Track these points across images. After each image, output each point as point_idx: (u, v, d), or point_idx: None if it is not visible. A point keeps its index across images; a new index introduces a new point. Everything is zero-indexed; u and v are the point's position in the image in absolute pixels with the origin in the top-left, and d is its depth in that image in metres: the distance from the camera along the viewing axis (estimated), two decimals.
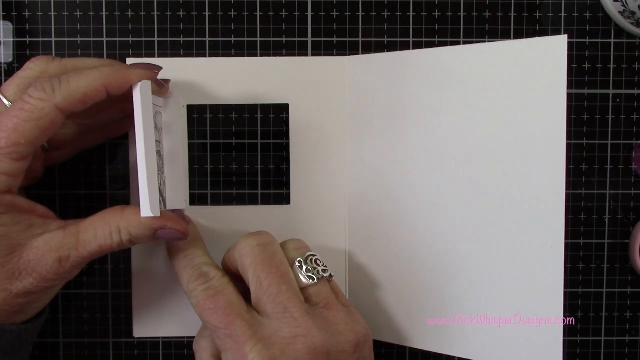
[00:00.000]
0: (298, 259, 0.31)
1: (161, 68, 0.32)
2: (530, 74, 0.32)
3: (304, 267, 0.31)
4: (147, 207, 0.29)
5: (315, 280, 0.31)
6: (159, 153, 0.32)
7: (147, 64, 0.32)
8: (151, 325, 0.37)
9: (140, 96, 0.29)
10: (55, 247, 0.29)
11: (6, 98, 0.30)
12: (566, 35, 0.31)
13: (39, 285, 0.29)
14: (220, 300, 0.29)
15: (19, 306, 0.30)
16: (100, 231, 0.29)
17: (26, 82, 0.30)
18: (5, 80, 0.36)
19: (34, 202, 0.31)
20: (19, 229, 0.29)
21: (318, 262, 0.31)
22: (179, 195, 0.35)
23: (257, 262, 0.30)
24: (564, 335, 0.37)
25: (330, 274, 0.32)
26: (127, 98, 0.30)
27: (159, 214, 0.29)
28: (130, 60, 0.35)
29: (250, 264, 0.30)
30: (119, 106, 0.33)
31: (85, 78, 0.28)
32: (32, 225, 0.29)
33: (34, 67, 0.31)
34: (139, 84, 0.29)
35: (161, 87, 0.32)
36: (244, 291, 0.31)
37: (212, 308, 0.29)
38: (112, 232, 0.29)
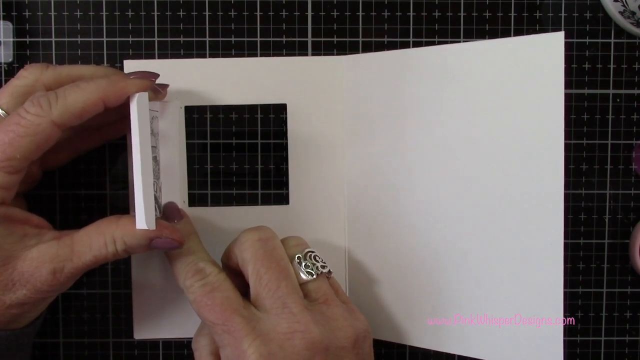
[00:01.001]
0: (297, 255, 0.31)
1: (158, 75, 0.32)
2: (528, 71, 0.32)
3: (303, 263, 0.31)
4: (142, 220, 0.29)
5: (315, 276, 0.31)
6: (155, 159, 0.32)
7: (144, 72, 0.32)
8: (151, 327, 0.37)
9: (137, 109, 0.29)
10: (49, 258, 0.29)
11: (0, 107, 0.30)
12: (563, 32, 0.31)
13: (33, 296, 0.29)
14: (217, 296, 0.29)
15: (12, 316, 0.30)
16: (95, 241, 0.29)
17: (20, 91, 0.30)
18: (5, 81, 0.36)
19: (29, 212, 0.31)
20: (13, 239, 0.29)
21: (317, 258, 0.32)
22: (175, 199, 0.35)
23: (257, 257, 0.30)
24: (564, 335, 0.37)
25: (329, 270, 0.32)
26: (124, 103, 0.30)
27: (154, 227, 0.29)
28: (127, 63, 0.35)
29: (250, 258, 0.30)
30: (114, 110, 0.33)
31: (82, 92, 0.28)
32: (26, 236, 0.29)
33: (27, 75, 0.30)
34: (136, 96, 0.29)
35: (157, 94, 0.32)
36: (242, 287, 0.31)
37: (209, 304, 0.29)
38: (107, 242, 0.29)
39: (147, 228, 0.29)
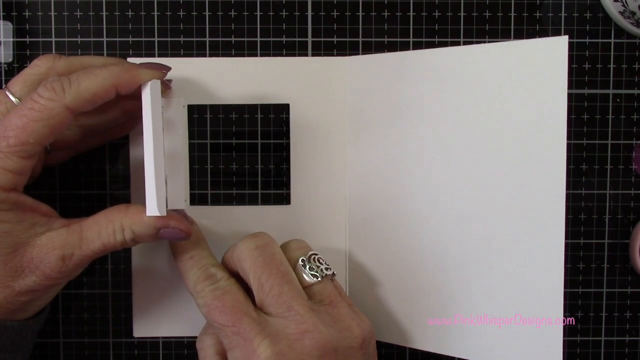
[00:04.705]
0: (301, 258, 0.31)
1: (169, 68, 0.32)
2: (531, 75, 0.32)
3: (307, 266, 0.31)
4: (154, 205, 0.29)
5: (319, 278, 0.31)
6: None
7: (155, 63, 0.32)
8: (151, 325, 0.37)
9: (150, 95, 0.29)
10: (58, 245, 0.29)
11: (13, 94, 0.30)
12: (567, 36, 0.31)
13: (42, 283, 0.29)
14: (228, 299, 0.29)
15: (20, 304, 0.30)
16: (104, 229, 0.29)
17: (33, 79, 0.30)
18: (6, 81, 0.36)
19: (38, 201, 0.31)
20: (23, 226, 0.29)
21: (320, 260, 0.32)
22: (179, 195, 0.35)
23: (257, 265, 0.30)
24: (564, 335, 0.37)
25: (333, 272, 0.32)
26: (132, 96, 0.30)
27: (165, 213, 0.29)
28: (130, 60, 0.35)
29: (250, 267, 0.30)
30: (123, 105, 0.33)
31: (95, 78, 0.28)
32: (36, 224, 0.29)
33: (41, 64, 0.31)
34: (149, 83, 0.29)
35: (166, 88, 0.32)
36: (247, 292, 0.31)
37: (219, 307, 0.29)
38: (116, 230, 0.29)
39: (158, 214, 0.29)
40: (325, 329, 0.29)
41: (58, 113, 0.28)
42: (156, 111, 0.29)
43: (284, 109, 0.36)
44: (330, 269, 0.32)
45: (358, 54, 0.36)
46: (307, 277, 0.31)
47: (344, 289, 0.34)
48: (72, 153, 0.35)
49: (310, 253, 0.32)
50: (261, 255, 0.30)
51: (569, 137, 0.36)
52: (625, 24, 0.35)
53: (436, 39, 0.36)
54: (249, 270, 0.30)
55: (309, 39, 0.36)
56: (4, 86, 0.36)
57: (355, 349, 0.29)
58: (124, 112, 0.33)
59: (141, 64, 0.31)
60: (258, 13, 0.36)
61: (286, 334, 0.28)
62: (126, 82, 0.29)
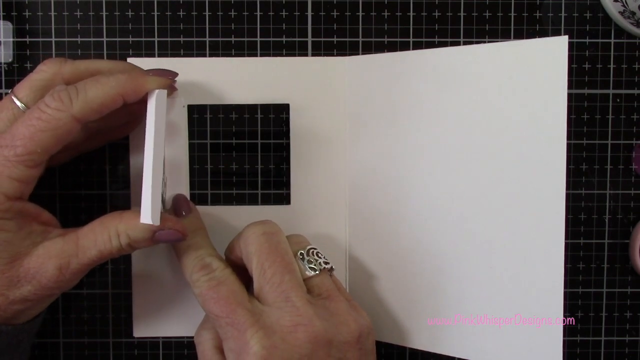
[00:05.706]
0: (300, 252, 0.31)
1: (176, 74, 0.32)
2: (531, 75, 0.32)
3: (306, 259, 0.31)
4: (148, 214, 0.29)
5: (318, 272, 0.31)
6: None
7: (162, 70, 0.32)
8: (151, 325, 0.37)
9: (155, 105, 0.29)
10: (55, 254, 0.29)
11: (19, 100, 0.30)
12: (567, 36, 0.31)
13: (37, 293, 0.29)
14: (223, 290, 0.29)
15: (13, 312, 0.30)
16: (100, 236, 0.29)
17: (39, 84, 0.30)
18: (6, 81, 0.36)
19: (41, 207, 0.30)
20: (22, 235, 0.29)
21: (319, 254, 0.32)
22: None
23: (262, 251, 0.30)
24: (564, 335, 0.37)
25: (332, 267, 0.32)
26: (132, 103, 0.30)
27: (158, 223, 0.29)
28: (129, 61, 0.35)
29: (254, 252, 0.30)
30: (127, 108, 0.33)
31: (102, 87, 0.28)
32: (32, 232, 0.29)
33: (46, 69, 0.30)
34: (155, 92, 0.29)
35: (172, 90, 0.32)
36: (246, 282, 0.31)
37: (214, 297, 0.29)
38: (111, 236, 0.29)
39: (151, 223, 0.29)
40: (319, 322, 0.29)
41: (65, 123, 0.28)
42: (160, 121, 0.29)
43: (284, 109, 0.36)
44: (329, 263, 0.32)
45: (358, 54, 0.36)
46: (306, 270, 0.31)
47: (343, 285, 0.34)
48: (74, 154, 0.35)
49: (309, 247, 0.32)
50: (267, 242, 0.30)
51: (569, 137, 0.36)
52: (625, 24, 0.35)
53: (436, 39, 0.36)
54: (253, 254, 0.30)
55: (309, 39, 0.36)
56: (3, 87, 0.36)
57: (351, 343, 0.30)
58: (127, 112, 0.33)
59: (148, 71, 0.31)
60: (258, 13, 0.36)
61: (280, 326, 0.28)
62: (133, 90, 0.29)
